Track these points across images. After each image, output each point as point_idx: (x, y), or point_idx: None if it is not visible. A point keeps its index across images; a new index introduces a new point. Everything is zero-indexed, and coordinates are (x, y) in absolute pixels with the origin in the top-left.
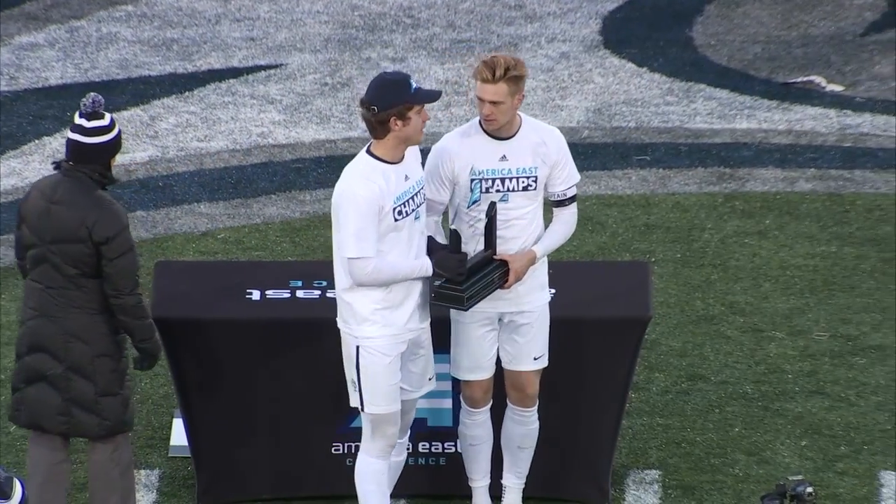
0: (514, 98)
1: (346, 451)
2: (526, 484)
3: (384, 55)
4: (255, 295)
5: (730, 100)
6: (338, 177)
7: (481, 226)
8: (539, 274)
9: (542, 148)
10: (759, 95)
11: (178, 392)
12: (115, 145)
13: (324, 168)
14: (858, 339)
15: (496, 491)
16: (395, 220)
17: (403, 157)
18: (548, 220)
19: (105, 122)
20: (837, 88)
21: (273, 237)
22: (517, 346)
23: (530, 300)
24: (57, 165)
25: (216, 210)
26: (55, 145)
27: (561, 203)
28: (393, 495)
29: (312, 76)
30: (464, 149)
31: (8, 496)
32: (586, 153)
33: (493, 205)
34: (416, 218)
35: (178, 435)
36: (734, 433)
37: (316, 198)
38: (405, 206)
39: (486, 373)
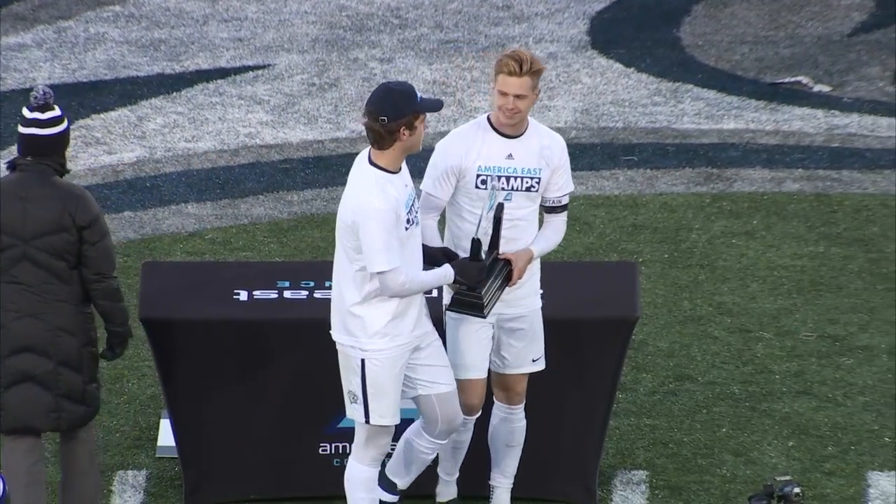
0: (534, 92)
1: (333, 452)
2: (514, 484)
3: (372, 56)
4: (243, 295)
5: (717, 100)
6: (326, 177)
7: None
8: (535, 278)
9: (546, 151)
10: (747, 96)
11: (165, 393)
12: (68, 135)
13: (311, 168)
14: (846, 340)
15: (485, 491)
16: (406, 228)
17: (401, 165)
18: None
19: (58, 112)
20: (825, 89)
21: (260, 238)
22: (514, 351)
23: (526, 304)
24: (11, 165)
25: (204, 210)
26: None
27: (553, 210)
28: None
29: (300, 77)
30: (474, 143)
31: None
32: (574, 153)
33: (500, 206)
34: (416, 224)
35: (166, 435)
36: (721, 434)
37: (303, 198)
38: (410, 215)
39: (483, 372)
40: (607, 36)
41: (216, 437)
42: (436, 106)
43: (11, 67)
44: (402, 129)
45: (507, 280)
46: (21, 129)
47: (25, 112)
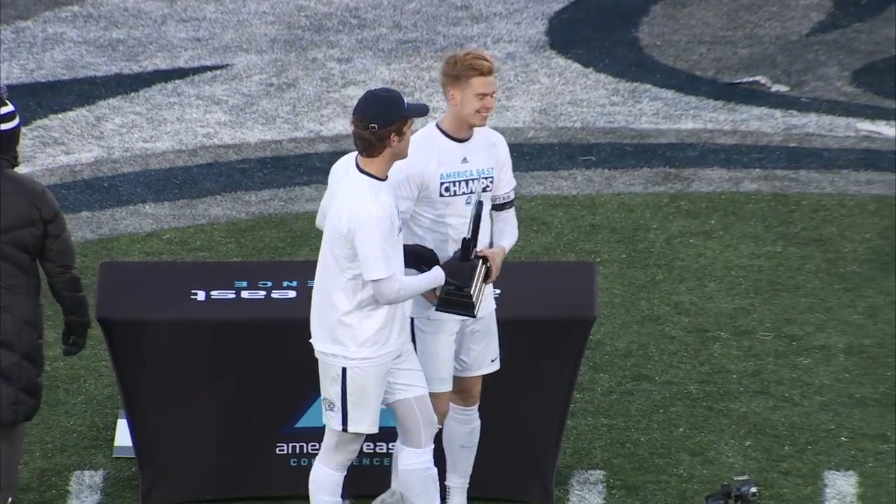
0: None
1: (290, 452)
2: (470, 484)
3: (330, 56)
4: (201, 295)
5: (675, 100)
6: (284, 177)
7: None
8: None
9: (493, 149)
10: (705, 96)
11: (122, 393)
12: (20, 129)
13: (269, 169)
14: (803, 340)
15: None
16: (397, 235)
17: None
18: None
19: (11, 107)
20: (783, 89)
21: (218, 238)
22: (474, 354)
23: (484, 306)
24: None
25: (161, 211)
26: None
27: (504, 206)
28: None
29: (258, 77)
30: (432, 151)
31: None
32: (532, 153)
33: (479, 203)
34: (402, 231)
35: (123, 436)
36: (678, 433)
37: (261, 198)
38: (399, 221)
39: (451, 382)
40: (566, 36)
41: (173, 438)
42: (423, 111)
43: None
44: (391, 136)
45: (487, 277)
46: None
47: None
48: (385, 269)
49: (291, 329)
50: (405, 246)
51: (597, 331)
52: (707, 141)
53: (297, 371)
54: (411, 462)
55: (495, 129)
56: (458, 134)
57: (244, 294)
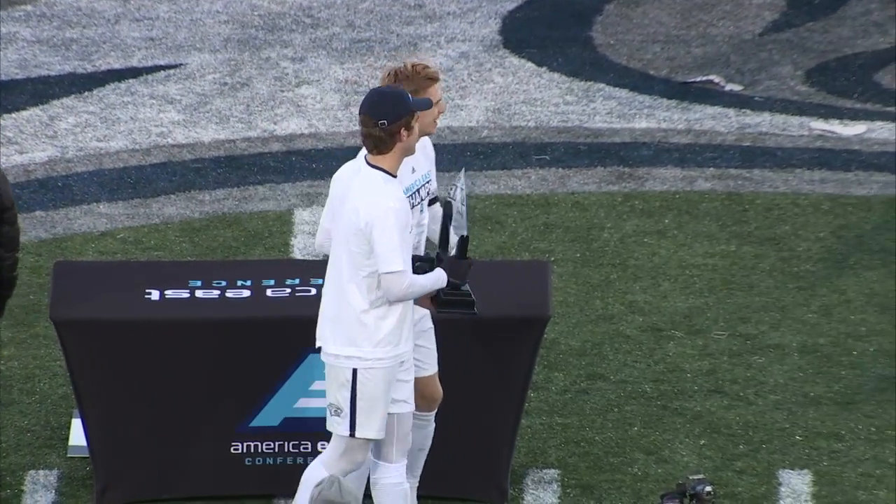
0: None
1: (245, 451)
2: (425, 483)
3: (283, 55)
4: (155, 295)
5: (629, 99)
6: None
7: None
8: None
9: (425, 151)
10: (659, 95)
11: (76, 392)
12: None
13: (223, 168)
14: (757, 338)
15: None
16: (409, 233)
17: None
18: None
19: None
20: (736, 88)
21: (172, 237)
22: (426, 351)
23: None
24: None
25: (115, 210)
26: None
27: (434, 201)
28: (293, 495)
29: (212, 76)
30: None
31: None
32: (486, 153)
33: (448, 204)
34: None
35: (77, 435)
36: (633, 432)
37: (215, 198)
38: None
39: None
40: (519, 35)
41: (128, 437)
42: (427, 104)
43: None
44: (401, 131)
45: None
46: None
47: None
48: (402, 262)
49: (246, 328)
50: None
51: (551, 330)
52: (661, 140)
53: (252, 370)
54: (383, 476)
55: (449, 128)
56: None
57: (198, 293)
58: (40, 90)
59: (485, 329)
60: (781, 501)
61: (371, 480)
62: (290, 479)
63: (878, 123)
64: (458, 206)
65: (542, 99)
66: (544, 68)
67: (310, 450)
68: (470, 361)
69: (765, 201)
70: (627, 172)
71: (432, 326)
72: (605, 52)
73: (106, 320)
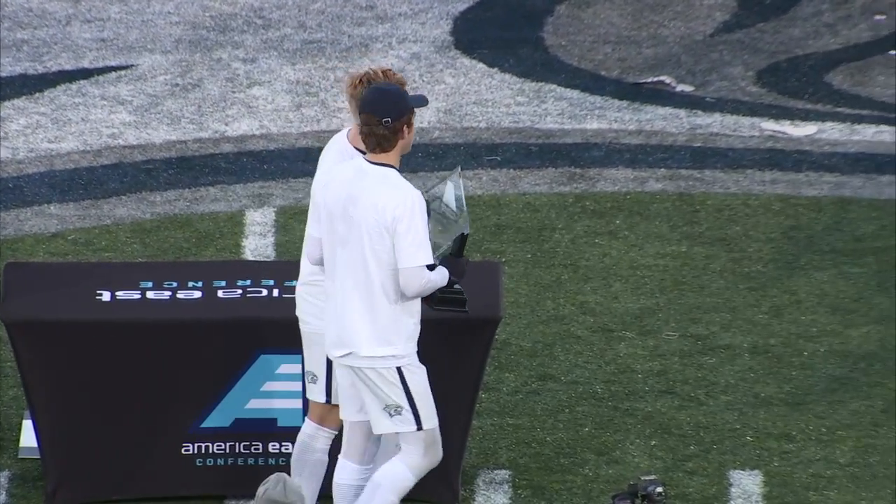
0: None
1: (196, 452)
2: None
3: (235, 56)
4: (106, 296)
5: (580, 100)
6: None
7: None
8: None
9: None
10: (610, 96)
11: (27, 393)
12: None
13: (174, 169)
14: (708, 339)
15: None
16: None
17: None
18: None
19: None
20: (687, 88)
21: (123, 238)
22: None
23: None
24: None
25: (66, 211)
26: None
27: None
28: (244, 496)
29: (163, 77)
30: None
31: None
32: (437, 153)
33: (437, 200)
34: None
35: (28, 436)
36: (584, 433)
37: (166, 199)
38: None
39: None
40: (471, 36)
41: (79, 438)
42: (423, 101)
43: None
44: (404, 128)
45: None
46: None
47: None
48: (428, 256)
49: (197, 329)
50: None
51: (502, 330)
52: (612, 141)
53: (203, 371)
54: (346, 477)
55: None
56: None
57: (149, 294)
58: None
59: (436, 330)
60: (732, 502)
61: (335, 480)
62: (241, 479)
63: (829, 124)
64: (443, 205)
65: (494, 100)
66: (496, 69)
67: (261, 450)
68: (421, 362)
69: (716, 202)
70: (578, 173)
71: None
72: (556, 53)
73: (57, 321)
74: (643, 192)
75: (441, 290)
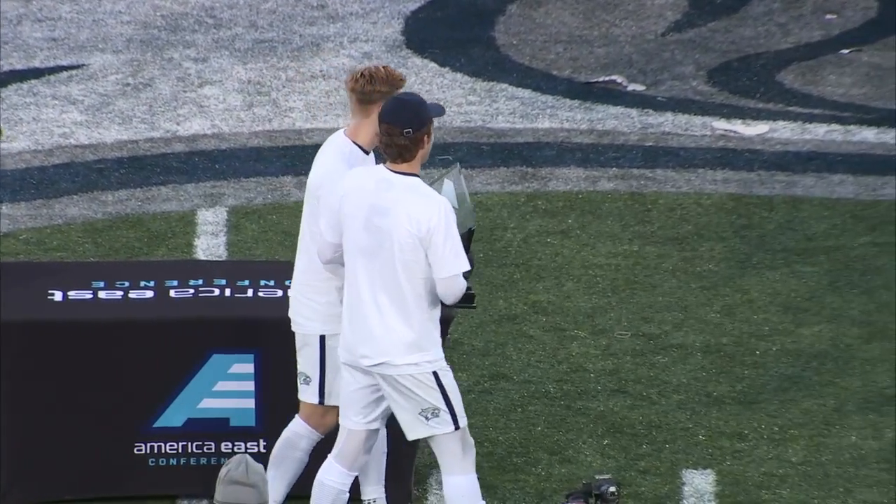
0: None
1: (148, 452)
2: None
3: (186, 55)
4: (58, 296)
5: (532, 99)
6: (140, 177)
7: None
8: None
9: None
10: (562, 95)
11: None
12: None
13: (126, 169)
14: (660, 338)
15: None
16: None
17: None
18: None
19: None
20: (639, 88)
21: (75, 238)
22: None
23: None
24: None
25: (18, 211)
26: None
27: None
28: (197, 495)
29: (114, 76)
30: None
31: None
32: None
33: None
34: None
35: None
36: (537, 432)
37: (118, 198)
38: None
39: None
40: (422, 35)
41: (31, 438)
42: (441, 111)
43: None
44: (424, 138)
45: None
46: None
47: None
48: (467, 261)
49: (149, 329)
50: None
51: (455, 330)
52: (564, 140)
53: (155, 371)
54: (332, 478)
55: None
56: (369, 146)
57: (101, 294)
58: None
59: None
60: (685, 501)
61: (317, 479)
62: (193, 479)
63: (781, 123)
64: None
65: (445, 99)
66: (447, 68)
67: (213, 450)
68: None
69: (668, 201)
70: (530, 172)
71: None
72: (507, 53)
73: (8, 322)
74: (595, 191)
75: None
